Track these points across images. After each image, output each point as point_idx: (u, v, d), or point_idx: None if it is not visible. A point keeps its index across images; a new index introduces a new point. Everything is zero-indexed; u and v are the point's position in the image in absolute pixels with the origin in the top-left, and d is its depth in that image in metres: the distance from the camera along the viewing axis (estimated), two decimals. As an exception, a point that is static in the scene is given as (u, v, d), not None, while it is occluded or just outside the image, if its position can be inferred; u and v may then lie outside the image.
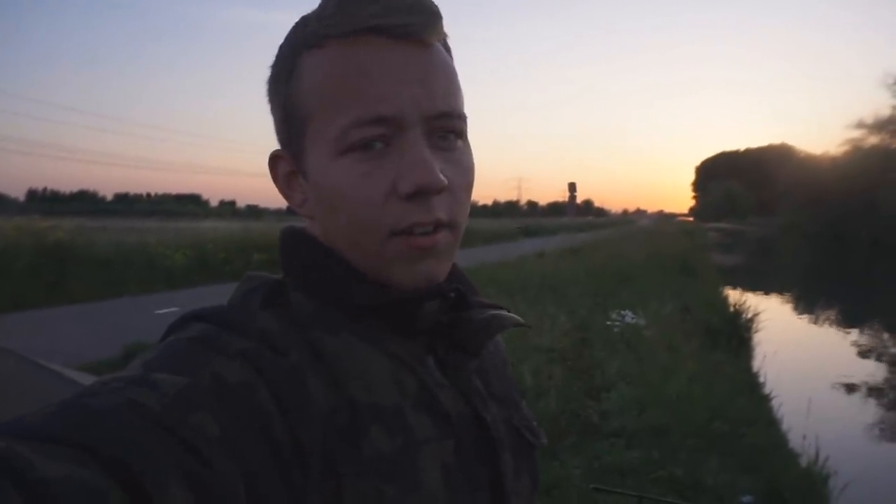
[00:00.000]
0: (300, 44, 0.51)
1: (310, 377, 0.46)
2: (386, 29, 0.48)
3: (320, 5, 0.50)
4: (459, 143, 0.52)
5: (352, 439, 0.45)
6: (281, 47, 0.53)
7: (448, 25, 0.53)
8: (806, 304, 14.32)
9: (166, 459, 0.35)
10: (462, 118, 0.52)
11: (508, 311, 0.59)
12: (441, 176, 0.48)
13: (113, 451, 0.34)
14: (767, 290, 15.66)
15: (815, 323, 12.09)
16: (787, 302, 14.80)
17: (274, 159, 0.55)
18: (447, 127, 0.50)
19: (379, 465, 0.45)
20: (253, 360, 0.44)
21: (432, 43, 0.51)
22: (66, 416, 0.36)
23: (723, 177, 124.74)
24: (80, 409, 0.37)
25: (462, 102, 0.53)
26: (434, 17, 0.50)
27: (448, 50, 0.54)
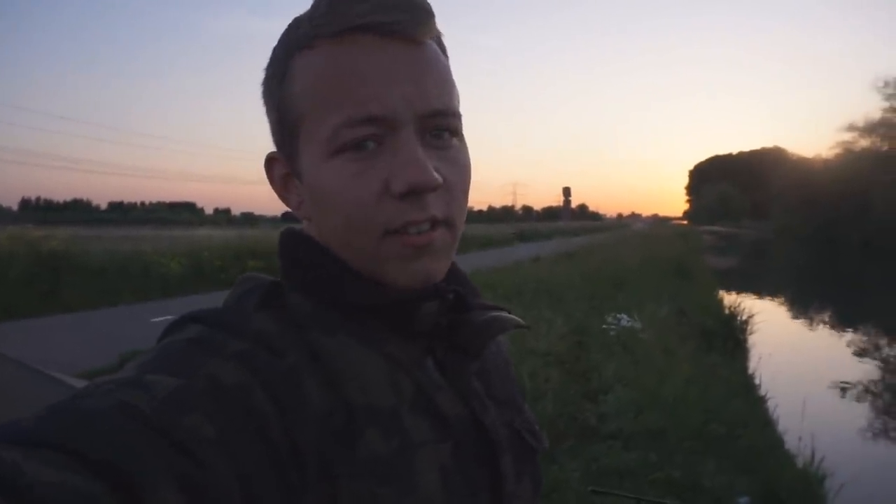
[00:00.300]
0: (292, 45, 0.51)
1: (306, 378, 0.45)
2: (376, 27, 0.48)
3: (312, 6, 0.51)
4: (454, 140, 0.52)
5: (347, 441, 0.44)
6: (274, 49, 0.53)
7: (443, 30, 0.53)
8: (800, 306, 14.38)
9: (158, 462, 0.35)
10: (456, 116, 0.52)
11: (509, 313, 0.58)
12: (434, 174, 0.48)
13: (103, 455, 0.34)
14: (762, 293, 15.70)
15: (810, 325, 12.13)
16: (782, 304, 14.85)
17: (269, 161, 0.55)
18: (441, 125, 0.50)
19: (374, 467, 0.44)
20: (248, 361, 0.44)
21: (424, 41, 0.50)
22: (56, 420, 0.36)
23: (716, 180, 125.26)
24: (71, 412, 0.36)
25: (456, 100, 0.52)
26: (425, 14, 0.50)
27: (442, 48, 0.53)
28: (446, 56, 0.54)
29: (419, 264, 0.50)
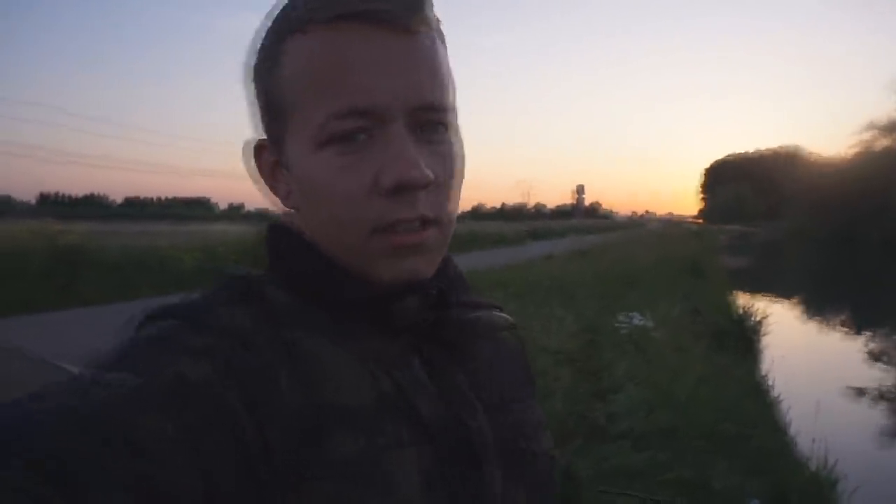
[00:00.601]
0: (284, 28, 0.49)
1: (279, 376, 0.44)
2: (371, 15, 0.46)
3: None
4: (448, 135, 0.50)
5: (320, 441, 0.43)
6: (266, 31, 0.51)
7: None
8: (815, 307, 14.22)
9: (108, 463, 0.34)
10: (450, 110, 0.50)
11: (501, 311, 0.57)
12: (426, 170, 0.46)
13: (50, 458, 0.33)
14: (776, 293, 15.54)
15: (825, 326, 11.99)
16: (796, 305, 14.69)
17: (257, 149, 0.54)
18: (434, 119, 0.49)
19: (348, 467, 0.43)
20: (218, 356, 0.42)
21: (420, 31, 0.48)
22: (2, 421, 0.35)
23: (731, 179, 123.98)
24: (20, 413, 0.36)
25: (452, 93, 0.51)
26: (422, 3, 0.48)
27: (441, 37, 0.52)
28: (445, 46, 0.52)
29: (408, 263, 0.49)
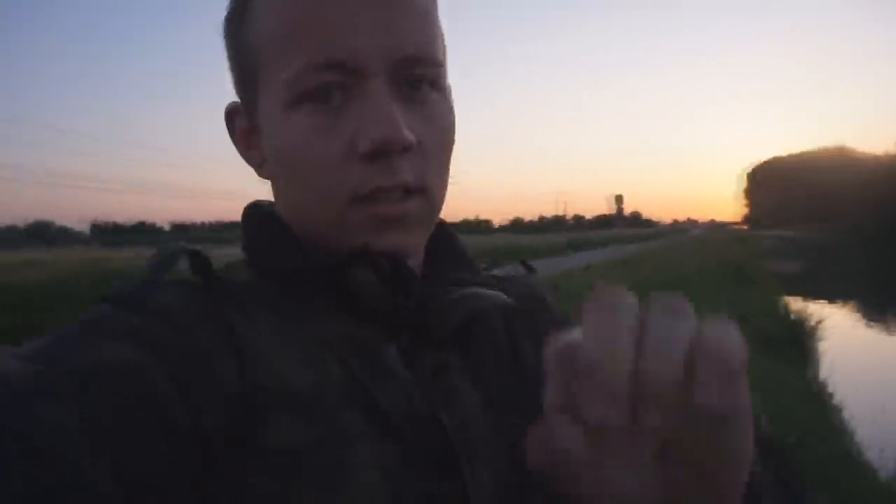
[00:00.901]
0: None
1: (217, 357, 0.40)
2: None
3: None
4: (434, 94, 0.46)
5: (258, 427, 0.39)
6: None
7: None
8: (871, 310, 13.59)
9: None
10: (437, 65, 0.45)
11: (492, 290, 0.48)
12: (405, 131, 0.42)
13: None
14: (829, 297, 14.95)
15: (884, 330, 11.46)
16: (851, 309, 14.09)
17: (231, 114, 0.50)
18: (420, 75, 0.44)
19: (288, 457, 0.39)
20: (148, 338, 0.38)
21: None
22: None
23: (775, 182, 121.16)
24: None
25: (440, 48, 0.46)
26: None
27: None
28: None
29: (390, 237, 0.44)
